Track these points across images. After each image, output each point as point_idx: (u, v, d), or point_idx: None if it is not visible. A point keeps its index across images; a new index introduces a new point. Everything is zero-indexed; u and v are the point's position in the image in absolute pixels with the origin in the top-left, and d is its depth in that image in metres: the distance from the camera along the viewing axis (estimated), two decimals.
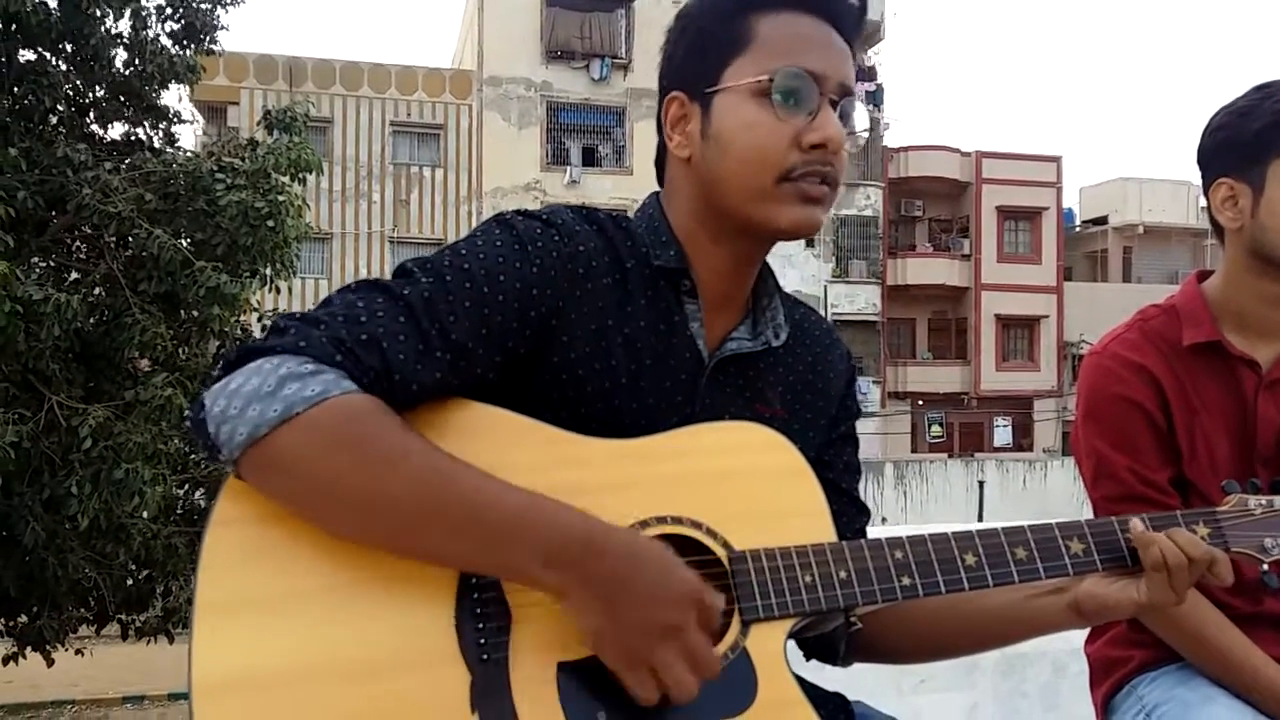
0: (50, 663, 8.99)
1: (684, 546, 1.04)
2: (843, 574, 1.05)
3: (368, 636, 0.93)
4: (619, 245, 1.14)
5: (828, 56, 1.11)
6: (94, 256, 8.70)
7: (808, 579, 1.04)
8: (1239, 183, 1.52)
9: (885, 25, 32.12)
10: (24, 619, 8.62)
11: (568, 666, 0.97)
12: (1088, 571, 1.12)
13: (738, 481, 1.08)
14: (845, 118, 1.12)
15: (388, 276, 1.07)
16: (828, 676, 1.29)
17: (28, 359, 7.37)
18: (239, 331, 9.01)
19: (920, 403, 31.79)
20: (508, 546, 0.94)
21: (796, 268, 29.10)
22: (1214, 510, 1.18)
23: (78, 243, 9.00)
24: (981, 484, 26.27)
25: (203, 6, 9.21)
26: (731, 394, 1.16)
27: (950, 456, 29.22)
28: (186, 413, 0.99)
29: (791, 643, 1.18)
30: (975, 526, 1.11)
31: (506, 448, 1.02)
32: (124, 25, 8.83)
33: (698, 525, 1.05)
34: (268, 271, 8.60)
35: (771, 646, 1.03)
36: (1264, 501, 1.19)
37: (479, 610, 0.96)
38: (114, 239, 8.31)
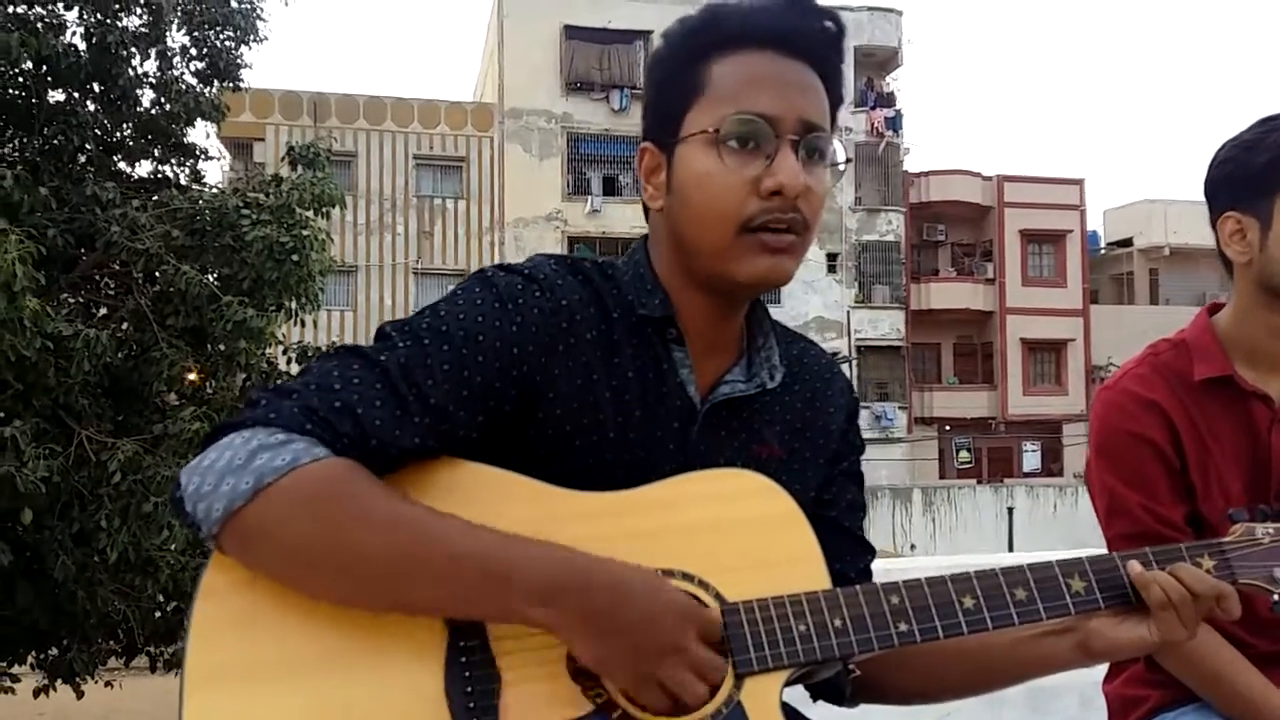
0: (80, 695, 9.03)
1: None
2: (838, 622, 1.04)
3: (357, 702, 0.94)
4: (604, 295, 1.12)
5: (784, 95, 1.07)
6: (122, 292, 8.81)
7: (802, 628, 1.03)
8: (1246, 216, 1.52)
9: (903, 51, 32.22)
10: (54, 652, 8.67)
11: None
12: (1090, 610, 1.10)
13: (729, 531, 1.06)
14: (815, 154, 1.09)
15: (403, 317, 1.08)
16: (842, 714, 1.27)
17: (58, 394, 7.46)
18: (265, 365, 9.09)
19: (947, 428, 31.55)
20: (496, 590, 0.94)
21: (819, 293, 29.09)
22: (1220, 542, 1.15)
23: (106, 279, 9.13)
24: (1011, 510, 25.97)
25: (226, 45, 9.37)
26: (727, 437, 1.15)
27: (979, 482, 28.95)
28: (174, 492, 1.02)
29: (799, 686, 1.18)
30: (974, 568, 1.09)
31: (492, 505, 1.02)
32: (150, 66, 9.00)
33: (689, 578, 1.04)
34: (293, 305, 8.68)
35: (767, 700, 1.01)
36: (1272, 530, 1.15)
37: (467, 674, 0.96)
38: (142, 275, 8.41)
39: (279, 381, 1.04)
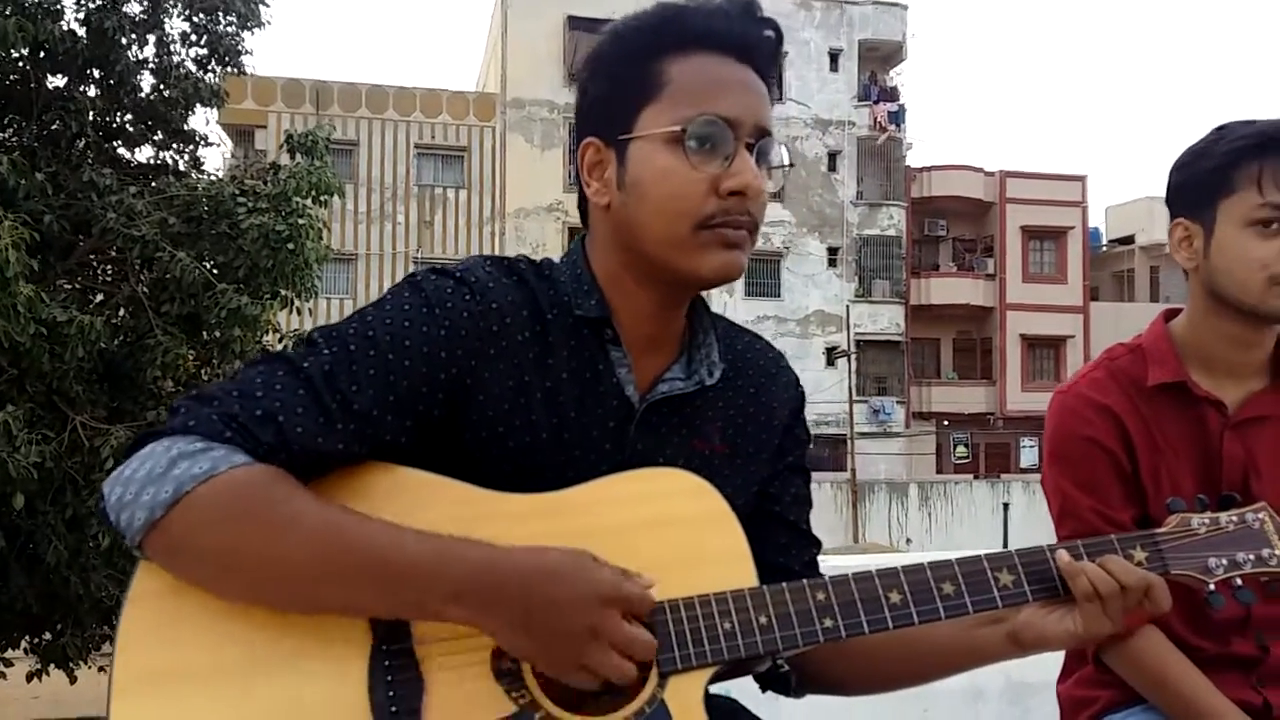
0: (73, 680, 9.07)
1: None
2: (763, 619, 1.05)
3: (281, 707, 0.95)
4: (540, 296, 1.13)
5: (741, 99, 1.09)
6: (119, 279, 8.83)
7: (727, 626, 1.04)
8: (1193, 223, 1.53)
9: (906, 45, 32.16)
10: (48, 636, 8.71)
11: None
12: (1018, 603, 1.10)
13: (657, 530, 1.07)
14: (763, 157, 1.11)
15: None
16: (822, 705, 1.27)
17: (52, 380, 7.48)
18: (259, 352, 9.10)
19: (945, 423, 31.58)
20: (411, 590, 0.95)
21: (819, 287, 29.07)
22: (1152, 533, 1.15)
23: (104, 265, 9.14)
24: (1006, 506, 26.02)
25: (227, 31, 9.35)
26: (667, 434, 1.15)
27: (976, 478, 29.00)
28: (99, 503, 1.04)
29: (748, 678, 1.20)
30: (903, 563, 1.11)
31: (419, 509, 1.02)
32: (149, 51, 9.00)
33: None
34: (289, 293, 8.68)
35: (690, 697, 1.02)
36: (1207, 520, 1.15)
37: (390, 678, 0.97)
38: (138, 262, 8.42)
39: (200, 389, 1.05)
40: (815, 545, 1.27)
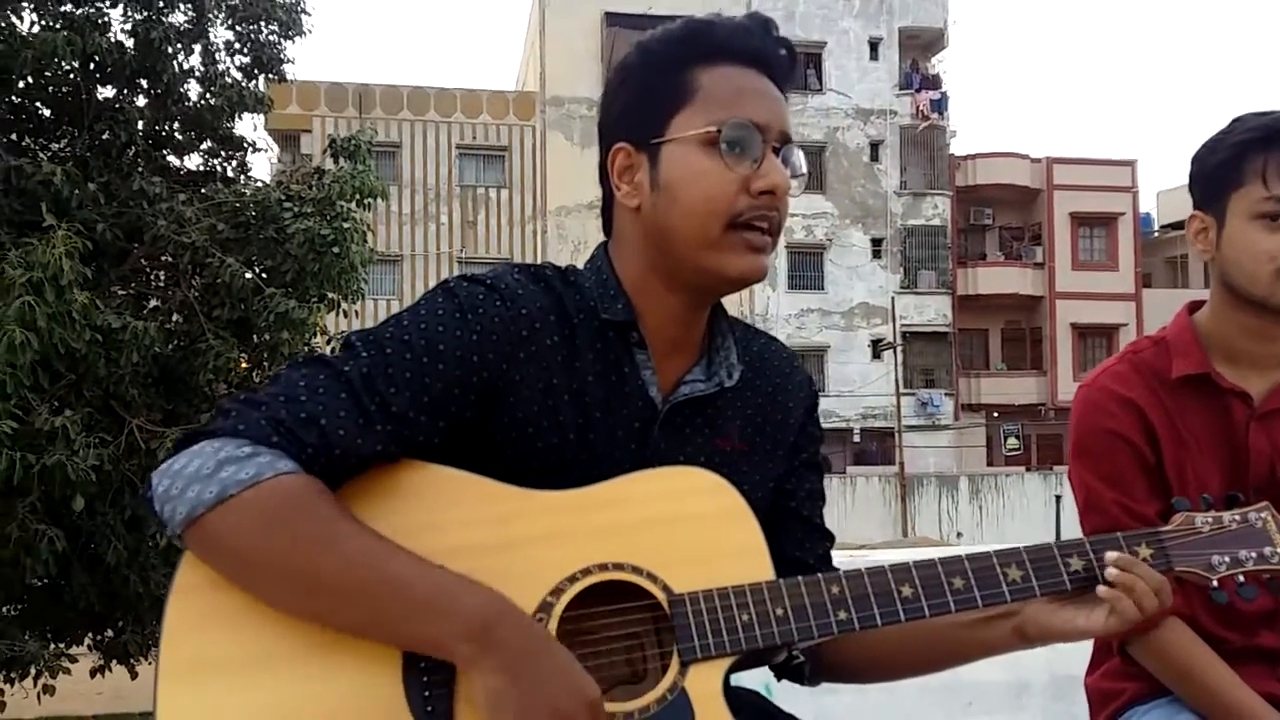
0: (134, 675, 9.30)
1: (624, 592, 1.08)
2: (779, 611, 1.09)
3: (318, 698, 0.99)
4: (566, 301, 1.18)
5: (768, 106, 1.17)
6: (171, 285, 9.02)
7: (745, 618, 1.08)
8: (1207, 215, 1.54)
9: (947, 32, 31.79)
10: (109, 634, 8.94)
11: None
12: (1026, 598, 1.14)
13: (678, 526, 1.11)
14: (786, 162, 1.17)
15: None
16: (865, 701, 1.30)
17: (108, 385, 7.66)
18: (304, 355, 9.22)
19: (995, 415, 31.21)
20: (427, 623, 0.99)
21: (863, 279, 28.86)
22: (1157, 531, 1.18)
23: (156, 272, 9.34)
24: (1059, 498, 25.66)
25: (270, 39, 9.52)
26: (690, 434, 1.20)
27: (1028, 469, 28.63)
28: (145, 491, 1.09)
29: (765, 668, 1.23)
30: (914, 558, 1.14)
31: (448, 505, 1.07)
32: (195, 60, 9.18)
33: (638, 570, 1.08)
34: (335, 296, 8.82)
35: (710, 685, 1.06)
36: (1210, 519, 1.18)
37: (423, 664, 1.01)
38: (189, 268, 8.59)
39: (249, 392, 1.10)
40: (829, 539, 1.32)
